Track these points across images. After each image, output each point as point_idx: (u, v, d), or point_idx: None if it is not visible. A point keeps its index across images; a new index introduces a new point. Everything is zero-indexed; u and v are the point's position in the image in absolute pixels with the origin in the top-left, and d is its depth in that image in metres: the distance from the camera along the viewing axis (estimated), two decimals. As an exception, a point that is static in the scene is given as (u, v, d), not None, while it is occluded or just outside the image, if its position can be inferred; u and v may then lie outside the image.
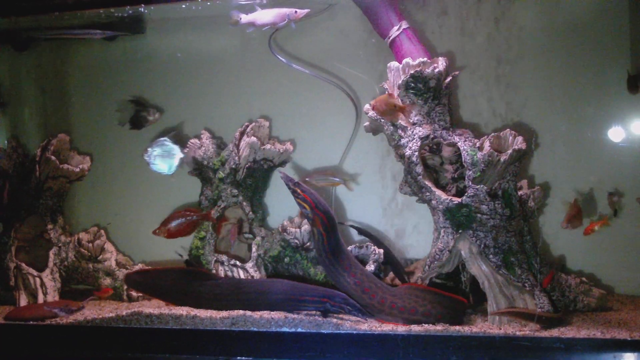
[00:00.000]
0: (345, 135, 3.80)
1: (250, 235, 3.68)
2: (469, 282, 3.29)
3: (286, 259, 3.54)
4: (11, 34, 4.10)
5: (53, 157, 3.68)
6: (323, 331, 2.96)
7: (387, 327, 2.97)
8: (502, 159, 3.04)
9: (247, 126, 3.68)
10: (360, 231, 3.69)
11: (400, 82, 3.24)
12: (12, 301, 3.61)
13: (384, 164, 3.80)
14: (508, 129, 3.15)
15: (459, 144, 3.17)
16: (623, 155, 3.45)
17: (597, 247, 3.51)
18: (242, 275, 3.55)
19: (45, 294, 3.61)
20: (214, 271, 3.56)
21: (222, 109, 3.97)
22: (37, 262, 3.72)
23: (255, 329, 3.02)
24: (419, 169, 3.20)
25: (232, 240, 3.67)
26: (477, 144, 3.14)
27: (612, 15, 3.52)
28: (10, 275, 3.64)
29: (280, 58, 3.75)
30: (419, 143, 3.22)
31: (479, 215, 3.08)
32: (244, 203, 3.66)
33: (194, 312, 3.16)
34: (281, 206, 3.82)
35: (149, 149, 3.57)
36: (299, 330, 2.98)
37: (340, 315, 3.09)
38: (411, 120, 3.28)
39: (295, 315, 3.06)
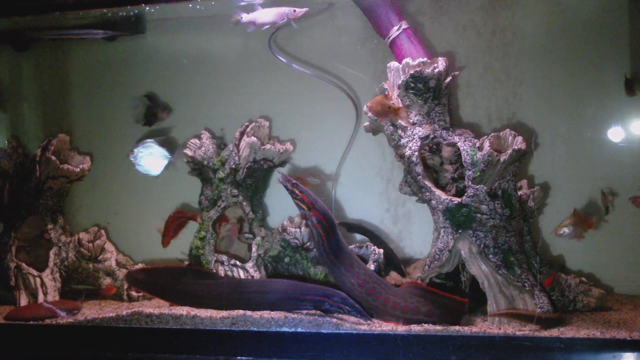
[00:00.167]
0: (345, 135, 3.81)
1: (250, 235, 3.69)
2: (469, 282, 3.29)
3: (286, 259, 3.54)
4: (11, 34, 4.10)
5: (53, 157, 3.68)
6: (323, 331, 2.96)
7: (387, 327, 2.97)
8: (501, 159, 3.04)
9: (247, 126, 3.68)
10: (351, 228, 3.69)
11: (400, 82, 3.24)
12: (12, 301, 3.61)
13: (384, 164, 3.80)
14: (508, 129, 3.15)
15: (458, 144, 3.17)
16: (623, 155, 3.45)
17: (597, 247, 3.52)
18: (242, 275, 3.56)
19: (45, 293, 3.61)
20: (214, 271, 3.56)
21: (222, 109, 3.98)
22: (37, 262, 3.72)
23: (255, 329, 3.02)
24: (419, 169, 3.21)
25: (231, 238, 3.68)
26: (477, 144, 3.14)
27: (612, 15, 3.53)
28: (11, 275, 3.64)
29: (281, 58, 3.75)
30: (418, 143, 3.22)
31: (478, 215, 3.08)
32: (244, 203, 3.66)
33: (194, 312, 3.16)
34: (281, 206, 3.82)
35: (135, 150, 3.60)
36: (299, 330, 2.98)
37: (340, 316, 3.09)
38: (411, 120, 3.28)
39: (295, 315, 3.06)
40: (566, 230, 3.18)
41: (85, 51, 4.17)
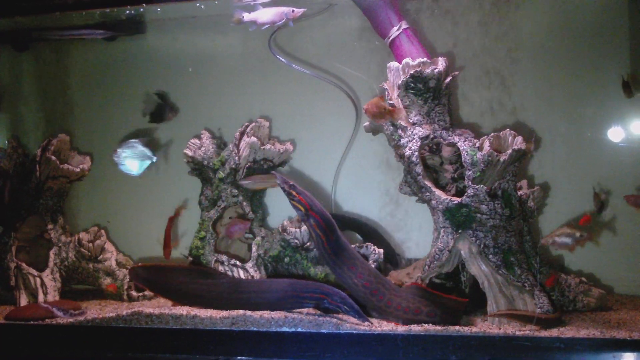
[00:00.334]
0: (345, 135, 3.81)
1: (250, 235, 3.69)
2: (469, 282, 3.29)
3: (286, 259, 3.55)
4: (11, 34, 4.10)
5: (53, 157, 3.68)
6: (323, 331, 2.96)
7: (387, 327, 2.97)
8: (501, 159, 3.04)
9: (247, 126, 3.68)
10: (344, 224, 3.68)
11: (400, 82, 3.24)
12: (12, 301, 3.61)
13: (384, 164, 3.80)
14: (508, 129, 3.15)
15: (458, 144, 3.17)
16: (623, 155, 3.45)
17: (597, 247, 3.52)
18: (242, 275, 3.56)
19: (45, 293, 3.61)
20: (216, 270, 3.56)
21: (222, 109, 3.98)
22: (37, 262, 3.72)
23: (255, 329, 3.02)
24: (419, 169, 3.21)
25: (239, 235, 3.65)
26: (477, 144, 3.14)
27: (612, 16, 3.53)
28: (11, 275, 3.64)
29: (281, 58, 3.76)
30: (418, 143, 3.22)
31: (478, 215, 3.08)
32: (244, 203, 3.66)
33: (194, 311, 3.16)
34: (281, 206, 3.81)
35: (119, 150, 3.63)
36: (299, 330, 2.98)
37: (340, 315, 3.09)
38: (411, 120, 3.28)
39: (295, 315, 3.06)
40: (558, 239, 3.14)
41: (85, 51, 4.17)
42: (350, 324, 3.00)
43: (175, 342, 3.05)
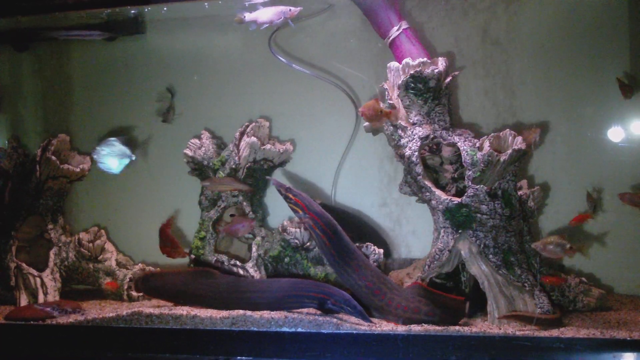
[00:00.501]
0: (345, 135, 3.81)
1: (250, 235, 3.69)
2: (471, 282, 3.29)
3: (286, 259, 3.55)
4: (12, 34, 4.10)
5: (53, 157, 3.68)
6: (323, 331, 2.96)
7: (387, 327, 2.97)
8: (501, 159, 3.04)
9: (247, 126, 3.68)
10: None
11: (400, 82, 3.24)
12: (12, 301, 3.61)
13: (384, 164, 3.80)
14: (508, 129, 3.15)
15: (458, 144, 3.17)
16: (623, 155, 3.45)
17: (597, 247, 3.52)
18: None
19: (45, 293, 3.61)
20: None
21: (222, 109, 3.98)
22: (37, 262, 3.72)
23: (255, 329, 3.02)
24: (419, 169, 3.21)
25: (244, 232, 3.63)
26: (477, 144, 3.14)
27: (612, 15, 3.53)
28: (11, 275, 3.64)
29: (281, 58, 3.76)
30: (418, 143, 3.22)
31: (478, 215, 3.08)
32: (244, 203, 3.66)
33: (194, 312, 3.16)
34: (281, 206, 3.80)
35: (97, 148, 3.65)
36: (299, 330, 2.98)
37: (340, 315, 3.09)
38: (411, 121, 3.28)
39: (295, 315, 3.06)
40: (548, 247, 3.12)
41: (85, 51, 4.17)
42: (351, 324, 3.00)
43: (175, 342, 3.05)
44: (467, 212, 3.09)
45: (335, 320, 3.01)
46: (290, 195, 3.17)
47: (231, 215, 3.71)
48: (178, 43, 4.03)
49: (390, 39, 3.39)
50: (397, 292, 3.10)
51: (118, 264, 3.86)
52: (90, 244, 3.83)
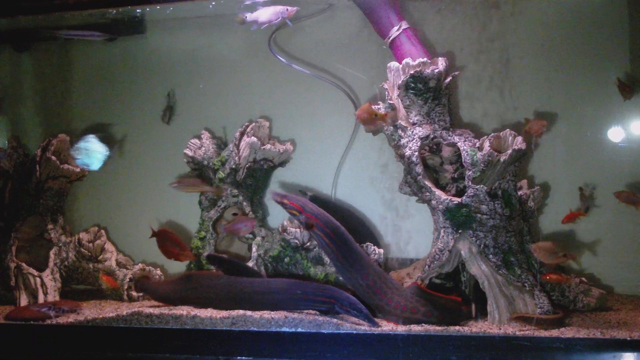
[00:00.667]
0: (345, 135, 3.81)
1: (250, 235, 3.69)
2: (470, 282, 3.29)
3: (286, 259, 3.55)
4: (12, 34, 4.11)
5: (53, 157, 3.68)
6: (323, 331, 2.96)
7: (387, 327, 2.97)
8: (501, 159, 3.05)
9: (248, 126, 3.68)
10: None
11: (400, 82, 3.24)
12: (12, 301, 3.61)
13: (384, 164, 3.80)
14: (508, 129, 3.15)
15: (458, 144, 3.17)
16: (622, 155, 3.46)
17: (597, 247, 3.52)
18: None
19: (45, 294, 3.61)
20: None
21: (222, 109, 3.98)
22: (37, 262, 3.72)
23: (255, 329, 3.02)
24: (419, 169, 3.21)
25: (245, 232, 3.63)
26: (477, 144, 3.14)
27: (612, 15, 3.53)
28: (11, 275, 3.64)
29: (280, 58, 3.76)
30: (418, 143, 3.22)
31: (478, 215, 3.08)
32: (244, 203, 3.66)
33: (194, 312, 3.16)
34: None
35: (75, 145, 3.68)
36: (299, 330, 2.98)
37: (341, 316, 3.08)
38: (411, 121, 3.28)
39: (295, 315, 3.05)
40: (541, 252, 3.12)
41: (85, 51, 4.17)
42: (350, 323, 3.00)
43: (175, 342, 3.05)
44: (467, 212, 3.09)
45: (335, 320, 3.01)
46: (286, 201, 3.18)
47: (233, 215, 3.71)
48: (178, 43, 4.04)
49: (391, 39, 3.40)
50: (397, 291, 3.10)
51: (118, 264, 3.85)
52: (90, 244, 3.83)
